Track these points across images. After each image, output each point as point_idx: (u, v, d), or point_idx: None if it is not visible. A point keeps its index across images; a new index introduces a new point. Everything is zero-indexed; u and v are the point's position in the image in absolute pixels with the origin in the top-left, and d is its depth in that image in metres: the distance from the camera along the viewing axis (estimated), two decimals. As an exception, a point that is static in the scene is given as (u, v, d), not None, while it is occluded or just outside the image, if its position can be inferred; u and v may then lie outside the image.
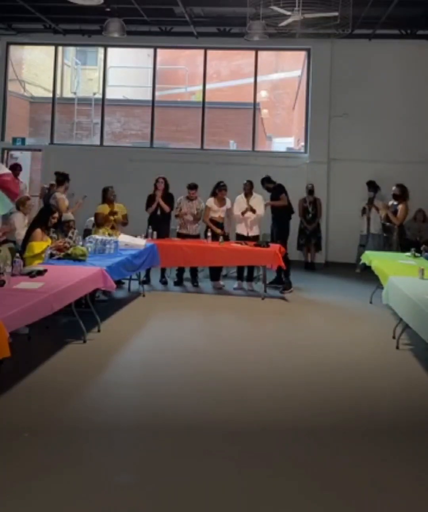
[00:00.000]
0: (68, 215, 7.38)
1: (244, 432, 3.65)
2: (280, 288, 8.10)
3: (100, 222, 7.72)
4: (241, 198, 8.36)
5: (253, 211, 8.20)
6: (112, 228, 7.78)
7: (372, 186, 10.10)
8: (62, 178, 8.28)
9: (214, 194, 8.38)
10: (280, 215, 8.62)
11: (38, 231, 6.10)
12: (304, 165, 10.91)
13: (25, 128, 13.83)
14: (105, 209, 7.89)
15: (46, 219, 6.23)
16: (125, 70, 15.56)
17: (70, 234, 6.89)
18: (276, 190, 8.62)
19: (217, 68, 16.02)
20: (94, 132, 13.83)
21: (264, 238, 8.34)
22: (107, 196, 8.00)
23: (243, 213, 8.25)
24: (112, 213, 7.90)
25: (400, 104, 10.64)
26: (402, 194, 8.84)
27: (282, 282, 8.21)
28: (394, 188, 9.07)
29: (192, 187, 8.36)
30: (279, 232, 8.61)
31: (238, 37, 10.05)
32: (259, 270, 8.44)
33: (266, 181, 8.67)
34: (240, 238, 8.30)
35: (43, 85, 13.96)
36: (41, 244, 6.07)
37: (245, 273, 8.33)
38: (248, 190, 8.31)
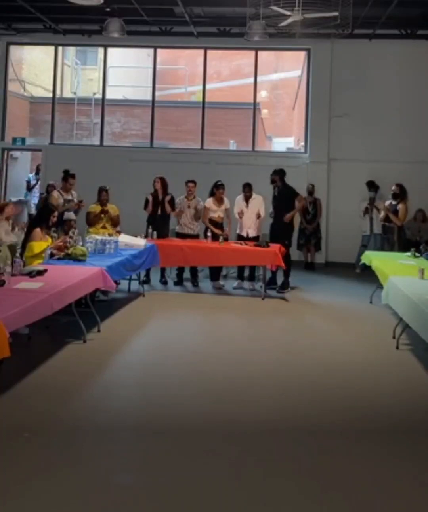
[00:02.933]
0: (70, 215, 7.38)
1: (244, 432, 3.65)
2: (276, 288, 8.10)
3: (91, 221, 7.72)
4: (240, 198, 8.36)
5: (258, 216, 8.19)
6: (104, 227, 7.77)
7: (372, 186, 10.09)
8: (63, 175, 8.29)
9: (212, 194, 8.39)
10: (284, 214, 8.35)
11: (38, 231, 6.10)
12: (304, 165, 10.89)
13: (25, 128, 13.83)
14: (96, 208, 7.85)
15: (46, 218, 6.23)
16: (125, 70, 15.56)
17: (71, 233, 6.87)
18: (288, 190, 8.30)
19: (217, 68, 16.01)
20: (94, 132, 13.82)
21: (263, 238, 8.31)
22: (100, 198, 7.89)
23: (240, 216, 8.24)
24: (104, 212, 7.86)
25: (400, 104, 10.64)
26: (402, 194, 8.83)
27: (275, 282, 8.23)
28: (393, 187, 9.06)
29: (191, 181, 8.40)
30: (285, 232, 8.35)
31: (238, 37, 10.04)
32: (259, 270, 8.44)
33: (280, 178, 8.31)
34: (240, 238, 8.30)
35: (43, 85, 13.95)
36: (41, 244, 6.06)
37: (247, 273, 8.34)
38: (248, 193, 8.30)
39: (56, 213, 6.42)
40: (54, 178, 9.75)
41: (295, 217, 8.58)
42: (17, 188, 12.55)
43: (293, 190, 8.37)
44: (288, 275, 8.16)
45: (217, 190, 8.33)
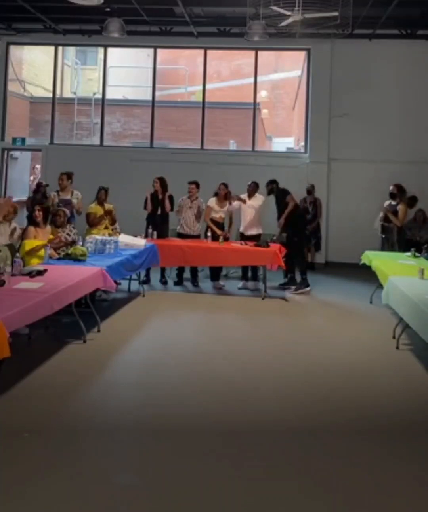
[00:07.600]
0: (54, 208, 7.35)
1: (244, 432, 3.65)
2: (292, 289, 8.14)
3: (92, 222, 7.70)
4: (243, 196, 8.37)
5: (243, 201, 8.17)
6: (106, 227, 7.77)
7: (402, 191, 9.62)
8: (59, 176, 8.29)
9: (216, 194, 8.44)
10: (295, 218, 8.32)
11: (30, 228, 6.19)
12: (304, 165, 10.90)
13: (25, 128, 13.81)
14: (98, 209, 7.81)
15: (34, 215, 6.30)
16: (125, 70, 15.56)
17: (68, 231, 6.82)
18: (282, 193, 8.34)
19: (217, 68, 16.01)
20: (94, 132, 13.81)
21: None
22: (99, 196, 7.88)
23: (239, 199, 8.20)
24: (107, 212, 7.86)
25: (400, 104, 10.64)
26: (399, 193, 8.80)
27: (294, 282, 8.27)
28: (391, 187, 9.03)
29: (192, 182, 8.40)
30: (300, 235, 8.45)
31: (238, 37, 10.04)
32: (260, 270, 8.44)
33: (276, 186, 8.37)
34: (241, 237, 8.34)
35: (43, 85, 13.94)
36: (32, 242, 6.10)
37: (250, 273, 8.34)
38: (252, 191, 8.31)
39: (38, 207, 6.43)
40: (54, 178, 9.73)
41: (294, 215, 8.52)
42: (17, 188, 12.55)
43: (285, 190, 8.43)
44: (305, 272, 8.22)
45: (218, 190, 8.38)
